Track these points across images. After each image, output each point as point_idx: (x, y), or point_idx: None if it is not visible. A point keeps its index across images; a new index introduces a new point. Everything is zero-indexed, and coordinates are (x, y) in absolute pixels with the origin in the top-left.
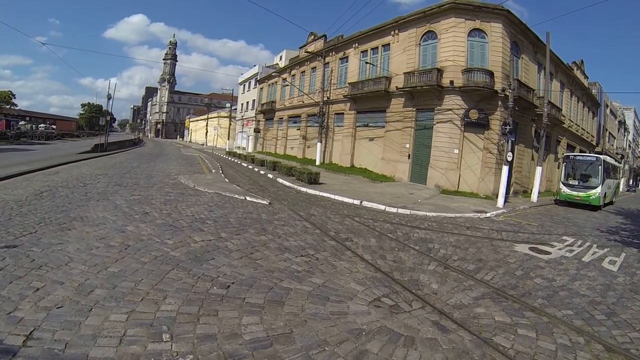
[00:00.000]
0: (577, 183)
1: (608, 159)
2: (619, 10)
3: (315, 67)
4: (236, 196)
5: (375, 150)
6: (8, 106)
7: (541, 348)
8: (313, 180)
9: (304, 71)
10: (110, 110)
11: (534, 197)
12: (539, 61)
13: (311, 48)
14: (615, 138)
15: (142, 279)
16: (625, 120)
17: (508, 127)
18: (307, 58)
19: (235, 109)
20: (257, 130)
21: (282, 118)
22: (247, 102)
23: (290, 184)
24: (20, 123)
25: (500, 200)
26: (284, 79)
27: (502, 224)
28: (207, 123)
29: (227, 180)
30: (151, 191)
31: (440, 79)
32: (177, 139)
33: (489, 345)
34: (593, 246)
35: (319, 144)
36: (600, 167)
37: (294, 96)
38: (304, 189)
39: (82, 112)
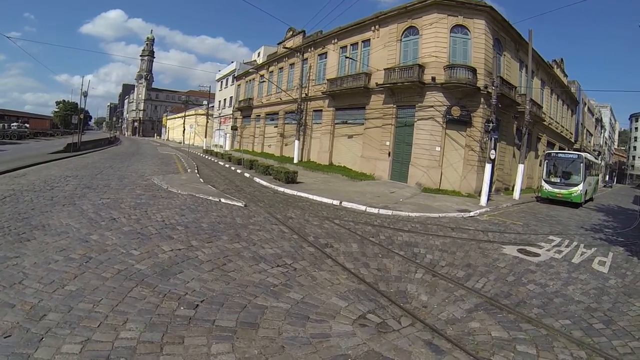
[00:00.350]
0: (559, 180)
1: (589, 156)
2: (596, 9)
3: (293, 64)
4: (210, 198)
5: (354, 147)
6: None
7: None
8: (291, 179)
9: (282, 67)
10: (85, 108)
11: (516, 194)
12: (521, 59)
13: (289, 44)
14: (592, 135)
15: (102, 299)
16: (601, 118)
17: (491, 124)
18: (286, 54)
19: (213, 106)
20: (234, 128)
21: (259, 115)
22: (225, 100)
23: (268, 184)
24: None
25: (484, 199)
26: (262, 76)
27: (487, 223)
28: (184, 121)
29: (202, 181)
30: (122, 194)
31: (421, 75)
32: (154, 137)
33: None
34: (580, 246)
35: (296, 141)
36: (581, 164)
37: (271, 93)
38: (281, 189)
39: (57, 110)
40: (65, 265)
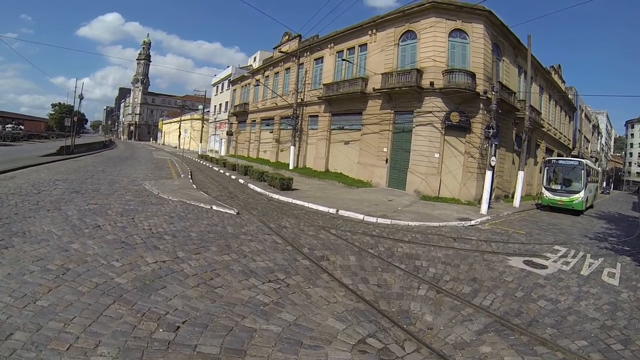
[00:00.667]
0: (559, 187)
1: (589, 162)
2: (596, 13)
3: (289, 68)
4: (202, 205)
5: (351, 154)
6: None
7: None
8: (286, 186)
9: (278, 72)
10: (80, 111)
11: (517, 202)
12: (519, 64)
13: (285, 48)
14: (589, 141)
15: (74, 317)
16: (598, 124)
17: (492, 130)
18: (282, 59)
19: (209, 111)
20: (229, 133)
21: (255, 120)
22: (220, 104)
23: (262, 190)
24: None
25: (484, 207)
26: (257, 80)
27: (489, 233)
28: (180, 125)
29: (194, 187)
30: (110, 199)
31: (419, 79)
32: (150, 141)
33: None
34: (587, 256)
35: (292, 147)
36: (582, 171)
37: (267, 98)
38: (275, 196)
39: (52, 112)
40: (41, 277)
